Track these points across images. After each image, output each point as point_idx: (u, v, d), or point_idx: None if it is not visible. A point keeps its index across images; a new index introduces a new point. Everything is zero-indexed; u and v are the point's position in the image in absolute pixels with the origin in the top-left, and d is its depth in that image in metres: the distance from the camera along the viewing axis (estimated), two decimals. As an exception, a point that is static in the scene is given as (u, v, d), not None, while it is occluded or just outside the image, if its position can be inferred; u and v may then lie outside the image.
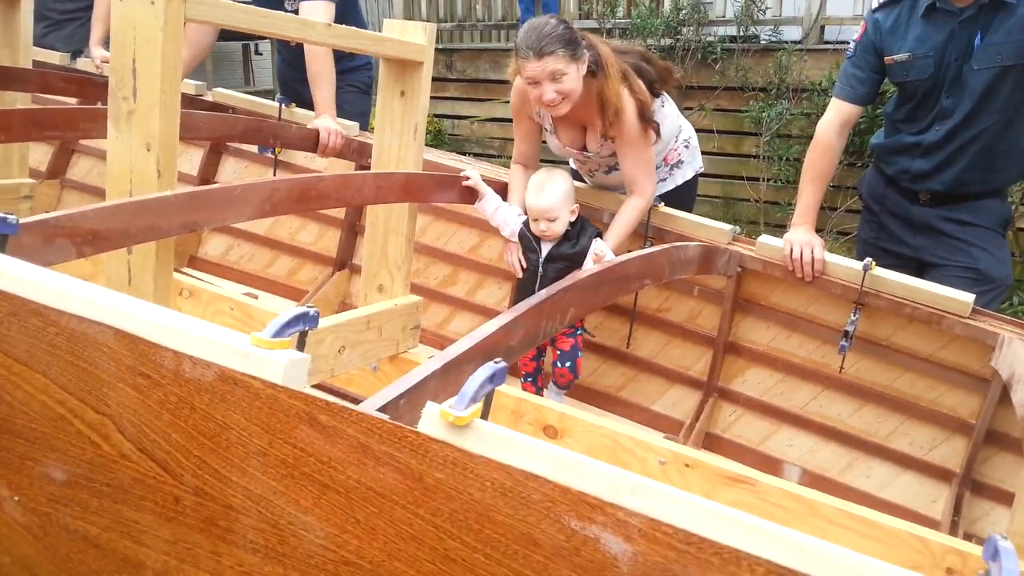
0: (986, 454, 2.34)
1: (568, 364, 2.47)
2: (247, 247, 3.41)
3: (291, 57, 3.39)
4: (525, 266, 2.46)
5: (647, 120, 2.38)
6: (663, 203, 2.62)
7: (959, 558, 1.65)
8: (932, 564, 1.69)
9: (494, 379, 0.83)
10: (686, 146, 2.72)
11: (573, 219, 2.38)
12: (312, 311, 0.93)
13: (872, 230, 2.63)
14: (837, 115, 2.43)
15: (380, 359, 2.34)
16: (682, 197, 2.72)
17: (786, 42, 5.23)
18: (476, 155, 6.53)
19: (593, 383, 2.84)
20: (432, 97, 6.20)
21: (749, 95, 5.23)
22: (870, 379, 2.48)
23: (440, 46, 6.68)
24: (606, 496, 0.75)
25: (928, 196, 2.43)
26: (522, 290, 2.46)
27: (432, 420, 0.82)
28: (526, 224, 2.44)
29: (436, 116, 6.68)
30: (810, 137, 5.06)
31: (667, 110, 2.60)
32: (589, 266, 2.25)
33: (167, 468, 0.88)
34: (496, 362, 0.84)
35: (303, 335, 0.93)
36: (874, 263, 2.31)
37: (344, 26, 1.97)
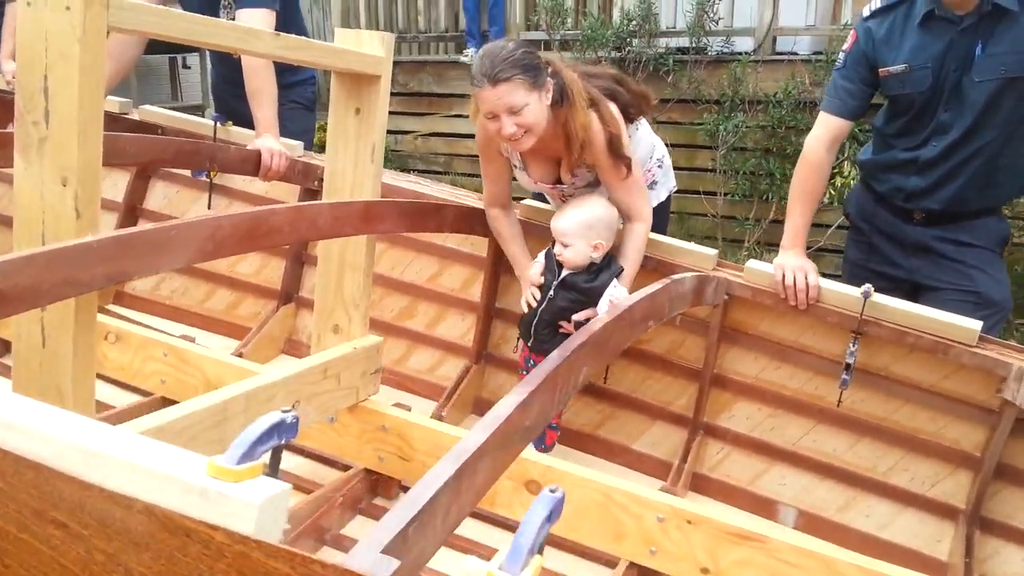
0: (995, 489, 2.20)
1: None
2: (180, 280, 3.10)
3: (227, 71, 3.10)
4: (537, 298, 2.26)
5: (617, 155, 2.16)
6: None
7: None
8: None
9: (552, 517, 0.60)
10: (659, 166, 2.55)
11: (596, 256, 2.17)
12: (289, 417, 0.69)
13: (861, 251, 2.48)
14: (827, 131, 2.27)
15: (338, 410, 2.09)
16: (657, 219, 2.53)
17: (739, 53, 5.12)
18: (420, 171, 6.28)
19: (567, 422, 2.63)
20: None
21: (703, 107, 5.11)
22: (867, 411, 2.32)
23: (380, 58, 6.41)
24: None
25: (923, 215, 2.30)
26: (527, 310, 2.30)
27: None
28: (553, 243, 2.25)
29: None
30: (766, 150, 4.99)
31: (641, 132, 2.41)
32: (603, 310, 2.06)
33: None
34: (552, 490, 0.62)
35: (278, 451, 0.69)
36: (872, 289, 2.15)
37: (294, 36, 1.73)
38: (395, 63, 6.41)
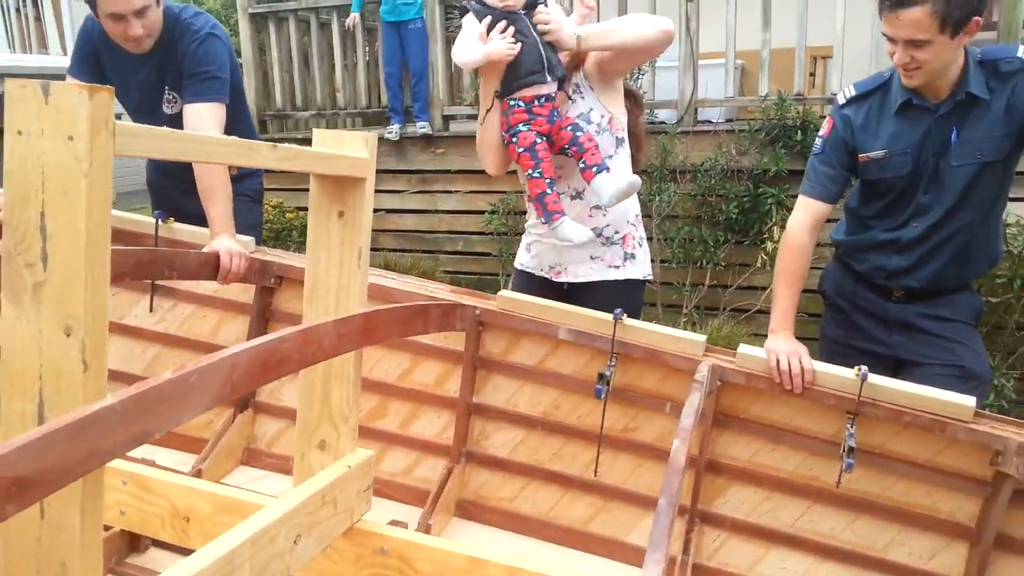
0: (995, 558, 2.21)
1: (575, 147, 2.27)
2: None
3: (167, 163, 2.93)
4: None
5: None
6: (625, 314, 2.37)
7: None
8: None
9: None
10: (639, 244, 2.51)
11: None
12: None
13: (840, 328, 2.50)
14: (807, 215, 2.30)
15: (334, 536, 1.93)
16: (627, 299, 2.45)
17: (663, 123, 5.25)
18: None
19: (556, 517, 2.53)
20: (292, 189, 5.88)
21: (632, 177, 5.18)
22: (862, 489, 2.32)
23: (300, 135, 6.27)
24: None
25: (902, 292, 2.34)
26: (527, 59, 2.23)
27: None
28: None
29: (300, 209, 6.22)
30: (697, 218, 5.07)
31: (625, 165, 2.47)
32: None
33: None
34: None
35: None
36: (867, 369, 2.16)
37: (289, 147, 1.61)
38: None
